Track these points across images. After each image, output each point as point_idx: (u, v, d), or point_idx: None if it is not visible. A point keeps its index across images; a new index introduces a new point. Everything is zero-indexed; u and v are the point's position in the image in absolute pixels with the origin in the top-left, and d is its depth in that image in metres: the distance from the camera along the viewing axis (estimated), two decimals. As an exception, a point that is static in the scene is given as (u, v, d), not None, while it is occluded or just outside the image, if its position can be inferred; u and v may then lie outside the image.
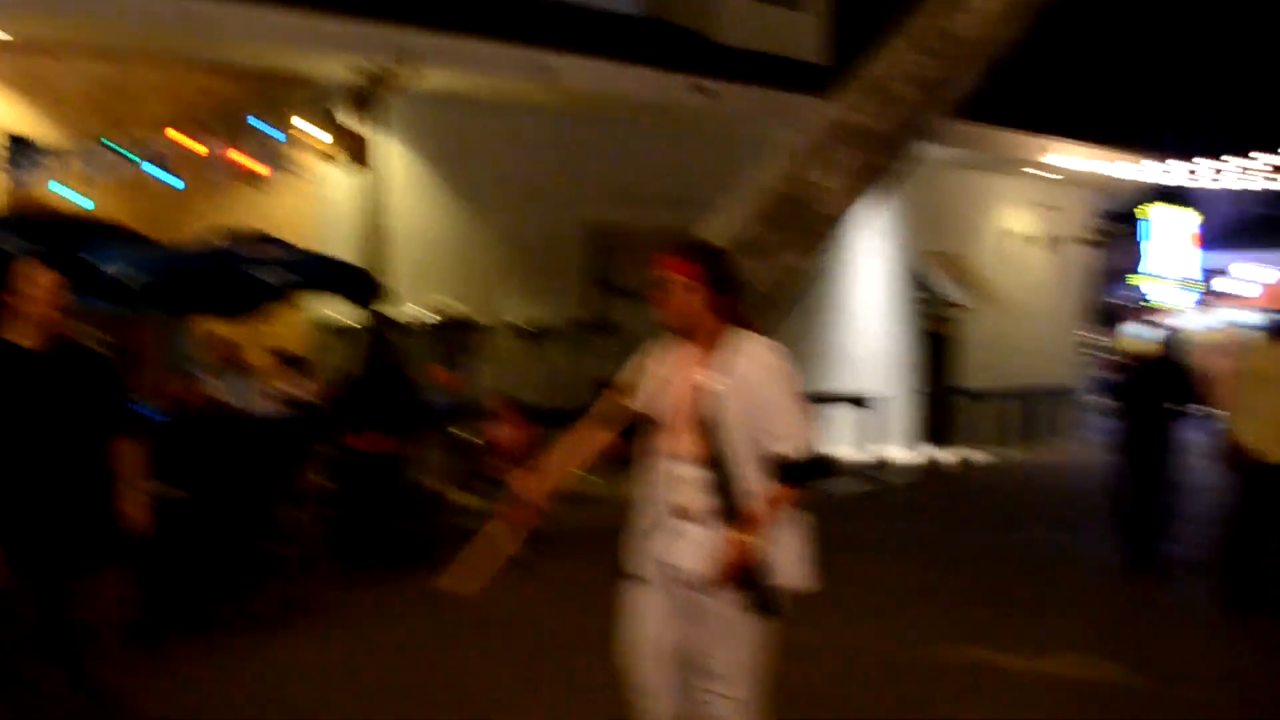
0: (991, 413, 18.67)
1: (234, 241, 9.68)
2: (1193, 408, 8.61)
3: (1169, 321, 21.60)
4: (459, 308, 13.26)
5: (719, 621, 3.51)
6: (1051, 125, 19.55)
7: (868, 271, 18.27)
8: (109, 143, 10.61)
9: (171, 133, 10.86)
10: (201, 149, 10.88)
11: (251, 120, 11.41)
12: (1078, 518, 11.18)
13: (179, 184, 10.78)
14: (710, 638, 3.53)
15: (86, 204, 10.56)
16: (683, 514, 3.52)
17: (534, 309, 14.26)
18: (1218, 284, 29.24)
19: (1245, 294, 29.55)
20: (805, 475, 3.48)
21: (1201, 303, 28.13)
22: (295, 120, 11.59)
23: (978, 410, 18.64)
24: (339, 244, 11.52)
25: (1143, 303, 25.92)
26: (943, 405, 17.89)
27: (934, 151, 15.69)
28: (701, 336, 3.58)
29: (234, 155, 11.08)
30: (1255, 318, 27.40)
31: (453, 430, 11.35)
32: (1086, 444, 18.52)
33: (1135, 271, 25.74)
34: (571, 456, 3.72)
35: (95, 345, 4.86)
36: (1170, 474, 8.59)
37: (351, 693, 5.83)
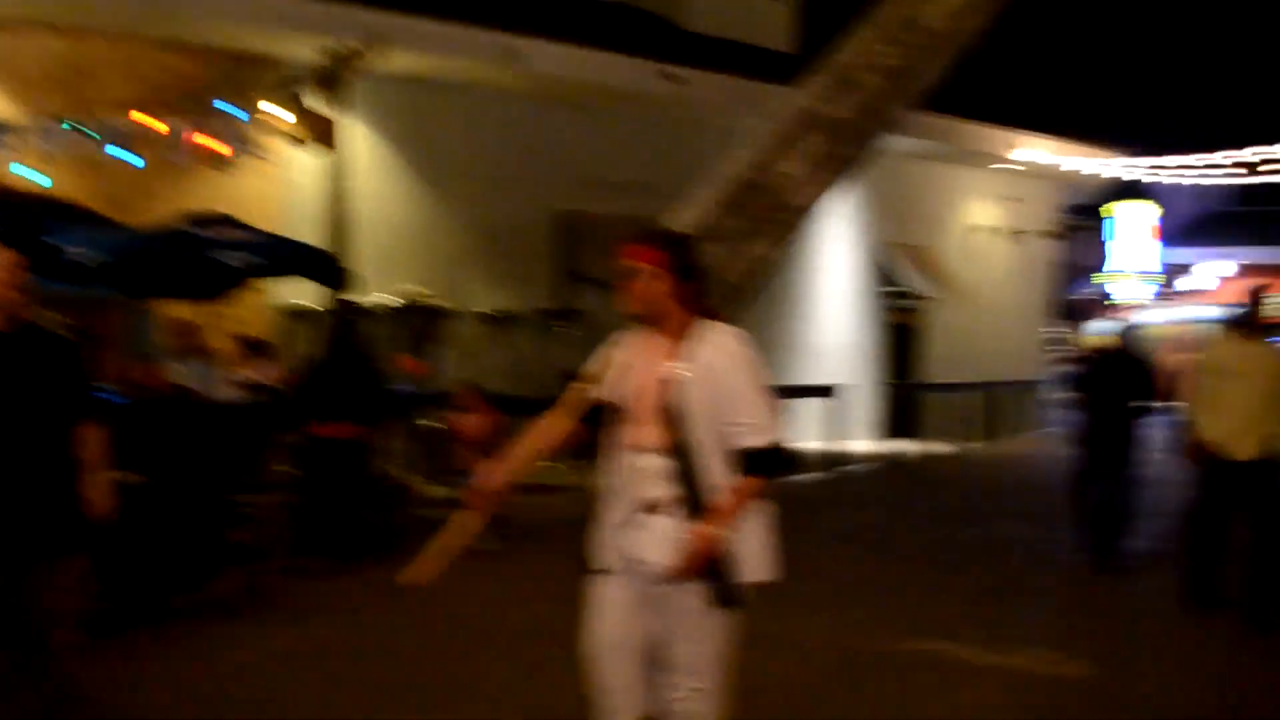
0: (956, 405, 18.77)
1: (197, 224, 9.56)
2: (1153, 401, 8.66)
3: (1129, 316, 21.78)
4: (425, 294, 13.17)
5: (683, 614, 3.49)
6: (1017, 119, 19.66)
7: (833, 263, 18.31)
8: (70, 121, 10.46)
9: (133, 113, 10.73)
10: (163, 128, 10.75)
11: (216, 102, 11.30)
12: (1040, 511, 11.25)
13: (139, 162, 10.64)
14: (675, 630, 3.51)
15: (45, 183, 10.43)
16: (647, 506, 3.49)
17: (500, 296, 14.20)
18: (1179, 281, 29.55)
19: (1203, 288, 29.90)
20: (770, 466, 3.46)
21: (1160, 297, 28.42)
22: (260, 101, 11.47)
23: (942, 402, 18.74)
24: (303, 227, 11.40)
25: (1107, 301, 26.20)
26: (907, 397, 17.97)
27: (900, 143, 15.75)
28: (667, 325, 3.55)
29: (197, 136, 10.96)
30: (1213, 312, 27.76)
31: (418, 419, 11.29)
32: (1050, 437, 18.66)
33: (1099, 268, 25.99)
34: (536, 446, 3.69)
35: (57, 328, 4.78)
36: (1130, 468, 8.64)
37: (313, 683, 5.77)
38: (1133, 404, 8.61)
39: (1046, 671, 6.03)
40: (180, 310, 10.66)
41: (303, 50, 11.73)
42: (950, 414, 18.68)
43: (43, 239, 8.06)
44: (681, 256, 3.57)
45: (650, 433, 3.50)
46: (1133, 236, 26.07)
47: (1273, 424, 6.85)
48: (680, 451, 3.45)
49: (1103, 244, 25.99)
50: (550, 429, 3.69)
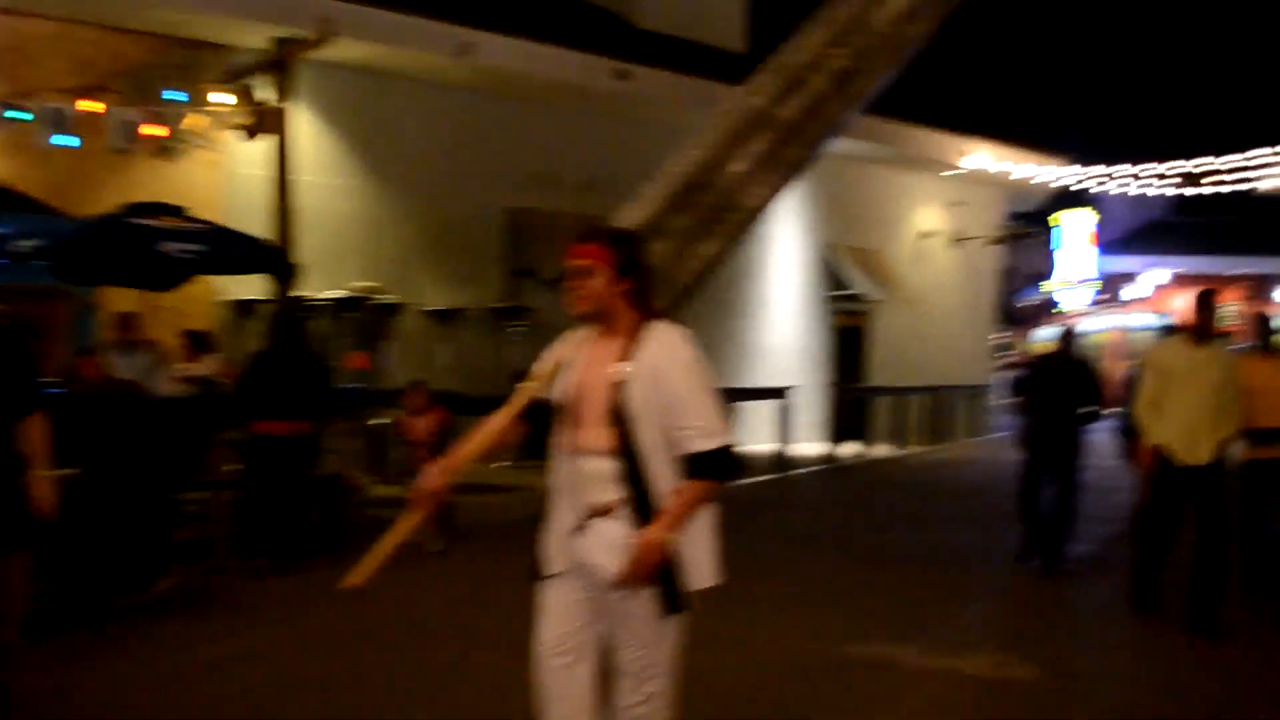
0: (903, 409, 18.89)
1: (139, 214, 9.39)
2: (1096, 406, 8.73)
3: (1072, 322, 22.08)
4: (373, 288, 13.02)
5: (632, 619, 3.44)
6: (966, 125, 19.83)
7: (782, 265, 18.36)
8: (9, 106, 10.24)
9: (76, 99, 10.52)
10: (101, 109, 10.54)
11: (162, 91, 11.10)
12: (985, 514, 11.33)
13: (75, 142, 10.41)
14: (623, 636, 3.47)
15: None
16: (595, 510, 3.44)
17: (449, 293, 14.08)
18: (1122, 289, 30.00)
19: (1139, 296, 30.39)
20: (718, 469, 3.42)
21: (1098, 303, 28.84)
22: (207, 90, 11.28)
23: (889, 406, 18.85)
24: (249, 219, 11.25)
25: (1053, 309, 26.54)
26: (853, 400, 18.05)
27: (850, 146, 15.81)
28: (615, 325, 3.50)
29: (140, 123, 10.76)
30: (1147, 319, 28.26)
31: (364, 417, 11.17)
32: (996, 441, 18.83)
33: (1046, 275, 26.32)
34: (480, 446, 3.62)
35: (-2, 318, 4.65)
36: (1073, 472, 8.71)
37: (256, 684, 5.67)
38: (1077, 409, 8.68)
39: (993, 675, 6.04)
40: (123, 302, 10.48)
41: (252, 38, 11.56)
42: (897, 417, 18.80)
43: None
44: (628, 255, 3.51)
45: (597, 435, 3.44)
46: (1074, 244, 26.46)
47: (1224, 429, 6.91)
48: (627, 454, 3.40)
49: (1049, 251, 26.31)
50: (496, 429, 3.62)
